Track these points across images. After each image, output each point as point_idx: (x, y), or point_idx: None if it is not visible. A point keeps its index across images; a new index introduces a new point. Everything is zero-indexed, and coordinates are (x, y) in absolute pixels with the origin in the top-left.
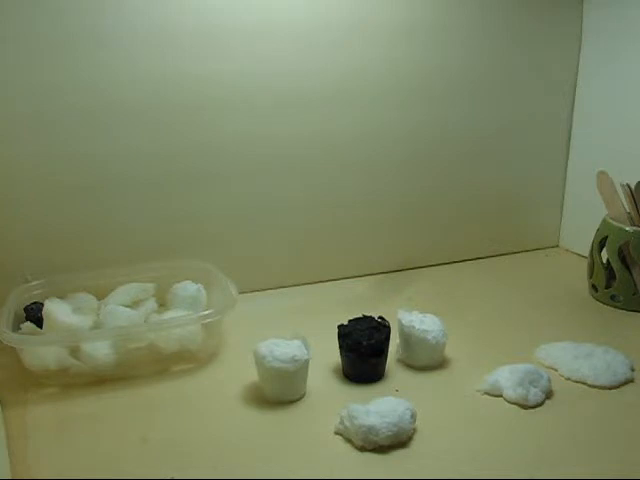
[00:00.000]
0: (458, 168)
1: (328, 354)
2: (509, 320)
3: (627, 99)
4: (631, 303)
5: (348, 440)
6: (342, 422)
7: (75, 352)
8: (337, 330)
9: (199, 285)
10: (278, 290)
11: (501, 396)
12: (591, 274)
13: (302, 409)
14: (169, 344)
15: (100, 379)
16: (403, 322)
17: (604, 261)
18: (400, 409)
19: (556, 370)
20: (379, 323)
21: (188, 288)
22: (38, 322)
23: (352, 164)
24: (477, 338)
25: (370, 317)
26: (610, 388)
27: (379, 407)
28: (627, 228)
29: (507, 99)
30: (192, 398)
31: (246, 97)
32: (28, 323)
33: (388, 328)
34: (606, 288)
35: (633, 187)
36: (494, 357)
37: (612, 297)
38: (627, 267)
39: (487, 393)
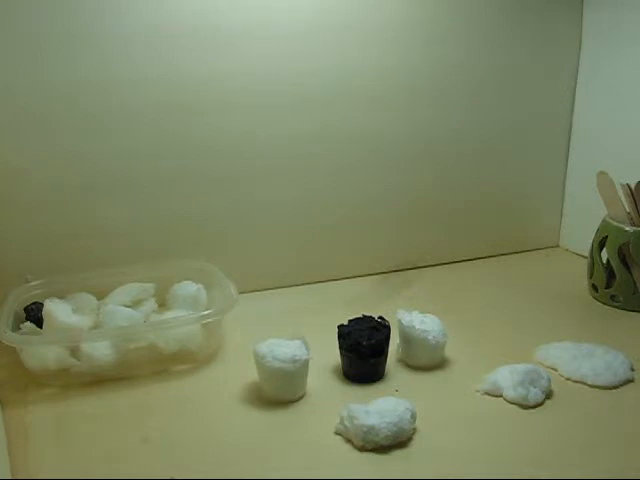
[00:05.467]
0: (458, 168)
1: (328, 354)
2: (509, 320)
3: (627, 99)
4: (631, 303)
5: (348, 440)
6: (342, 422)
7: (75, 352)
8: (337, 330)
9: (199, 285)
10: (278, 290)
11: (501, 396)
12: (591, 274)
13: (302, 409)
14: (169, 344)
15: (100, 379)
16: (403, 322)
17: (604, 261)
18: (400, 409)
19: (556, 370)
20: (379, 323)
21: (188, 288)
22: (38, 322)
23: (352, 164)
24: (477, 338)
25: (370, 317)
26: (610, 388)
27: (379, 407)
28: (627, 228)
29: (507, 99)
30: (192, 398)
31: (246, 97)
32: (28, 323)
33: (388, 328)
34: (606, 288)
35: (633, 187)
36: (494, 357)
37: (612, 297)
38: (627, 267)
39: (487, 393)
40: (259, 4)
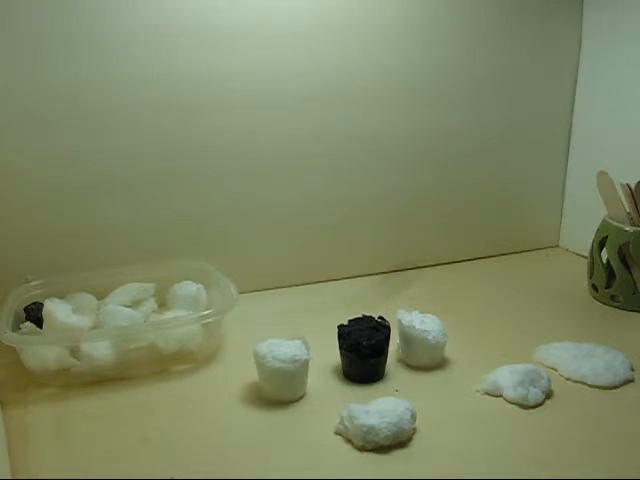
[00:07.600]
0: (458, 168)
1: (328, 354)
2: (509, 320)
3: (627, 99)
4: (631, 303)
5: (348, 440)
6: (342, 422)
7: (75, 352)
8: (337, 330)
9: (199, 285)
10: (278, 290)
11: (501, 396)
12: (591, 274)
13: (302, 409)
14: (169, 344)
15: (100, 379)
16: (403, 322)
17: (604, 261)
18: (400, 409)
19: (556, 370)
20: (379, 323)
21: (188, 288)
22: (38, 322)
23: (352, 164)
24: (477, 338)
25: (370, 317)
26: (610, 388)
27: (379, 407)
28: (627, 228)
29: (507, 99)
30: (192, 398)
31: (246, 97)
32: (28, 323)
33: (388, 328)
34: (606, 288)
35: (633, 187)
36: (494, 357)
37: (612, 297)
38: (627, 267)
39: (487, 393)
40: (259, 4)
